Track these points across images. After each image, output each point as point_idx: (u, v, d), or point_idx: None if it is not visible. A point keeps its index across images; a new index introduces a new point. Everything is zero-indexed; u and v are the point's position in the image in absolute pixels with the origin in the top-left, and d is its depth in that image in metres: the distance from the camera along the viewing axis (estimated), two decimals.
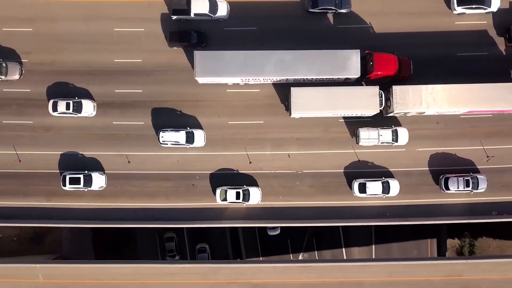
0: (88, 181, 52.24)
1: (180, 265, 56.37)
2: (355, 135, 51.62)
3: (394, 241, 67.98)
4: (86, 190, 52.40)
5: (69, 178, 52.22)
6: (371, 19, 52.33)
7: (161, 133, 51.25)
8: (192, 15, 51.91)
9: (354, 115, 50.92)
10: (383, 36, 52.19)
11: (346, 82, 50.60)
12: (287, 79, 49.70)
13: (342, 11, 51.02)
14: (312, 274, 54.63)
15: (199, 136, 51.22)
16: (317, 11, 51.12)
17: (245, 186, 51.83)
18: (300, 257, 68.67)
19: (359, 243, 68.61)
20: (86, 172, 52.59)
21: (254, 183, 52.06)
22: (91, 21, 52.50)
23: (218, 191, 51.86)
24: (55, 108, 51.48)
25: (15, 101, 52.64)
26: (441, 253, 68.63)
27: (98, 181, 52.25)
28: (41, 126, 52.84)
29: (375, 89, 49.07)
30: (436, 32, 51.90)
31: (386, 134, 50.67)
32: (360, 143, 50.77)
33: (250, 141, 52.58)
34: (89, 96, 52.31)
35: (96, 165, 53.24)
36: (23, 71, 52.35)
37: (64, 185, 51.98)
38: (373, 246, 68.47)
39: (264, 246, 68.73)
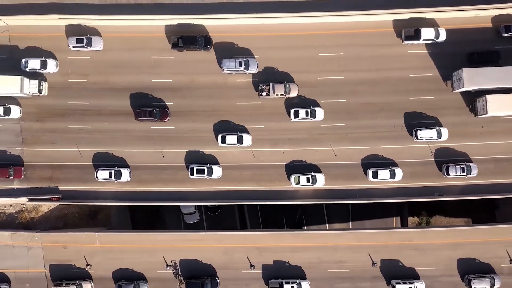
0: (210, 172, 60.73)
1: (201, 233, 66.81)
2: None
3: (367, 218, 76.90)
4: (208, 178, 60.36)
5: (196, 169, 60.33)
6: None
7: (418, 131, 60.59)
8: (421, 40, 59.85)
9: None
10: None
11: None
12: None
13: None
14: (299, 240, 65.08)
15: (445, 133, 60.96)
16: (510, 35, 61.50)
17: (312, 173, 61.48)
18: None
19: (339, 220, 77.31)
20: (208, 165, 60.81)
21: None
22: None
23: (292, 177, 61.23)
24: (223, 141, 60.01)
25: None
26: None
27: (217, 171, 60.90)
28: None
29: None
30: None
31: None
32: None
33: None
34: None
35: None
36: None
37: (192, 174, 60.44)
38: (350, 223, 77.78)
39: (264, 221, 76.64)
